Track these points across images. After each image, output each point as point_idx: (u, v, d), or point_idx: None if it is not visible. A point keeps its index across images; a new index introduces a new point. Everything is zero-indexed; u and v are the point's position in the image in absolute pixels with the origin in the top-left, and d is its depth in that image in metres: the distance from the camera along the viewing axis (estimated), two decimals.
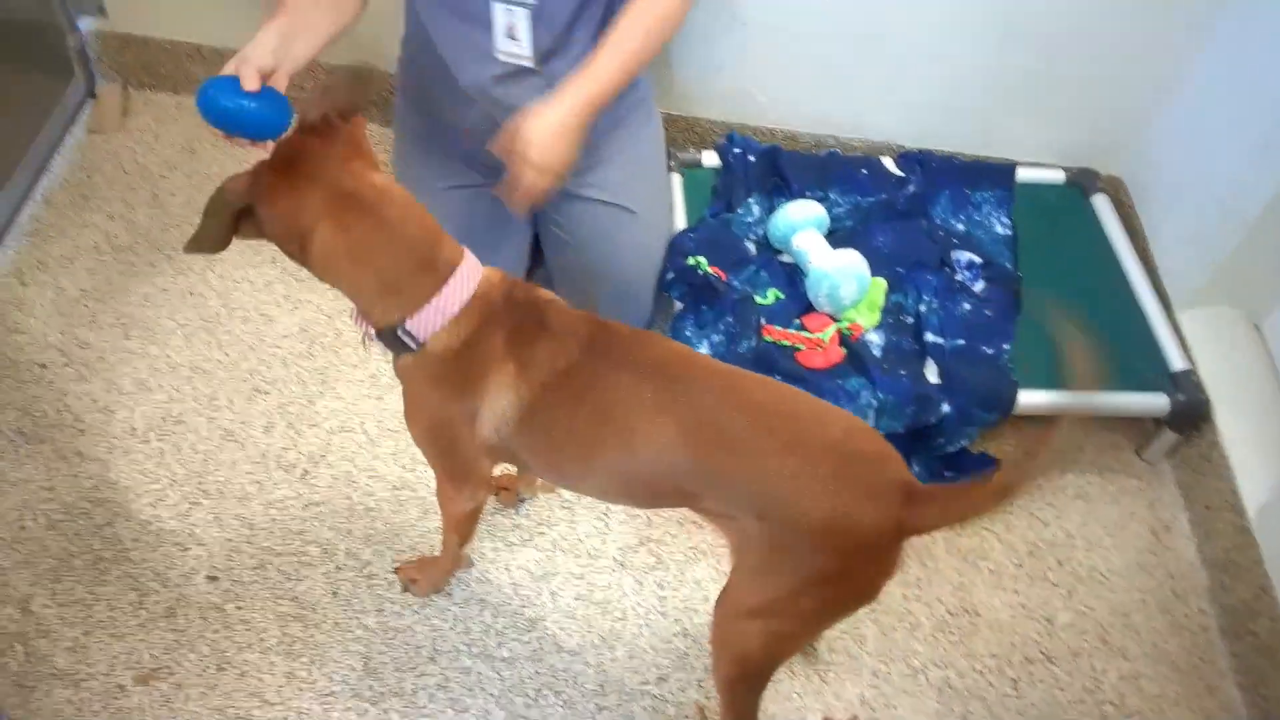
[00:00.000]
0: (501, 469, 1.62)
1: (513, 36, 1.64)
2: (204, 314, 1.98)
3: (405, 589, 1.67)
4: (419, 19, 1.71)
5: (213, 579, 1.66)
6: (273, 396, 1.88)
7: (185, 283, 2.02)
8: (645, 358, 1.26)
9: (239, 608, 1.64)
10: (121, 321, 1.96)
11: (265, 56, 1.36)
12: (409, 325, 1.23)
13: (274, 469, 1.79)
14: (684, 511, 1.80)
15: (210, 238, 1.20)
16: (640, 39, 1.59)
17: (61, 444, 1.78)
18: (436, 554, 1.66)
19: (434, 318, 1.22)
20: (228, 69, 1.34)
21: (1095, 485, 1.93)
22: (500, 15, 1.62)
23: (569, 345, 1.25)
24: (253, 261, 2.06)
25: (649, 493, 1.33)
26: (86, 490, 1.73)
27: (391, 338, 1.25)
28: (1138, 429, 1.99)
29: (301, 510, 1.74)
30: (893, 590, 1.75)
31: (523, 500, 1.80)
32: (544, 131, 1.52)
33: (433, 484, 1.78)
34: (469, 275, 1.24)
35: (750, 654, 1.32)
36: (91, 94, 2.34)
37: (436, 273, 1.22)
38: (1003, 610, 1.75)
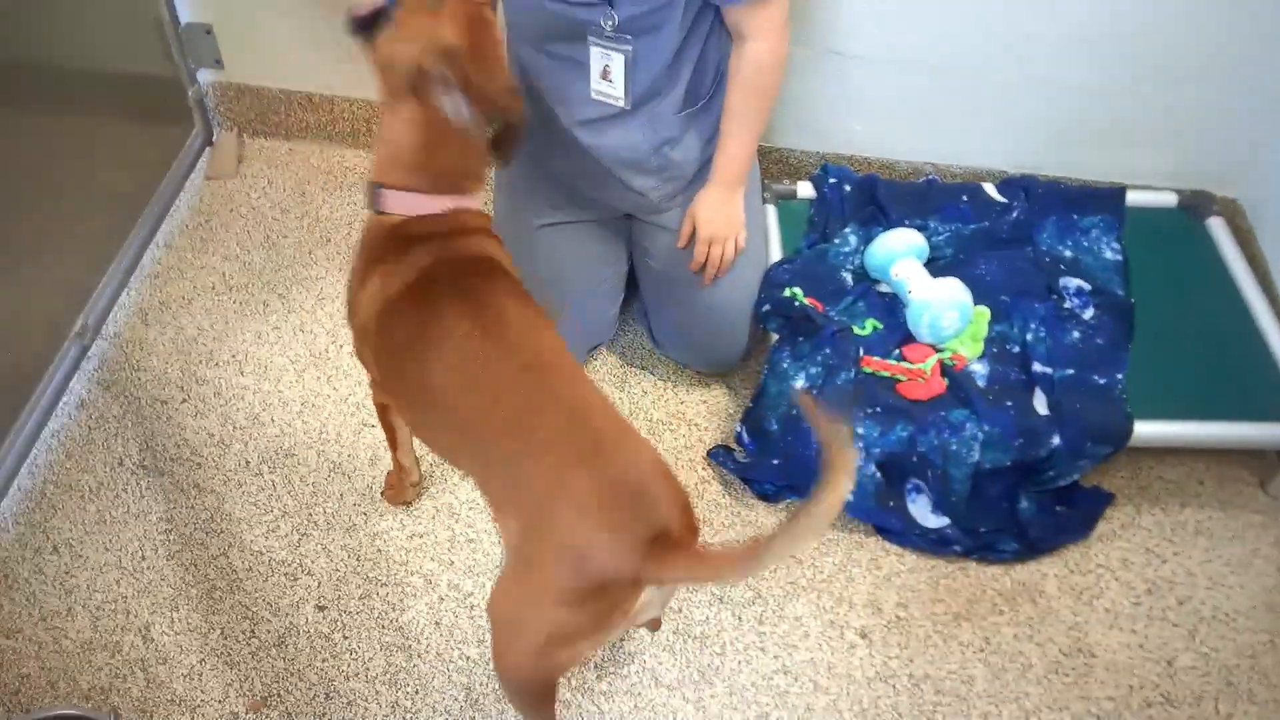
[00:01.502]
0: None
1: (607, 78, 1.68)
2: (314, 350, 2.05)
3: (383, 494, 1.84)
4: (519, 60, 1.75)
5: (321, 609, 1.70)
6: (378, 430, 1.92)
7: (296, 320, 2.10)
8: (497, 316, 1.34)
9: (345, 637, 1.67)
10: (236, 358, 2.04)
11: None
12: (385, 191, 1.44)
13: (379, 500, 1.83)
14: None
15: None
16: (754, 101, 1.73)
17: (180, 477, 1.86)
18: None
19: (403, 204, 1.43)
20: None
21: (1217, 521, 1.84)
22: (597, 57, 1.66)
23: (451, 264, 1.38)
24: None
25: (441, 441, 1.43)
26: (203, 522, 1.80)
27: (369, 187, 1.46)
28: (1261, 462, 1.90)
29: (405, 541, 1.78)
30: (1003, 629, 1.70)
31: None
32: (708, 210, 1.82)
33: None
34: (454, 206, 1.43)
35: (521, 666, 1.31)
36: (209, 142, 2.45)
37: (436, 185, 1.43)
38: (1120, 651, 1.68)
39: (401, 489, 1.81)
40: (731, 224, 1.84)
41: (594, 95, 1.71)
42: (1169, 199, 2.14)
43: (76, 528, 1.79)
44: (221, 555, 1.76)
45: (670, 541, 1.19)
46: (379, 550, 1.77)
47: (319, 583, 1.73)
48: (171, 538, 1.78)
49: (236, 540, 1.78)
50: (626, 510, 1.19)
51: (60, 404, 1.95)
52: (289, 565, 1.75)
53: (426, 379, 1.34)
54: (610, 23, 1.60)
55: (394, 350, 1.40)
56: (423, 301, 1.36)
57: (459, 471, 1.85)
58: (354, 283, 1.46)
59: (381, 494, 1.84)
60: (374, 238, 1.44)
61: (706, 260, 1.86)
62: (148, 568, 1.74)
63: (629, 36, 1.62)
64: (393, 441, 1.72)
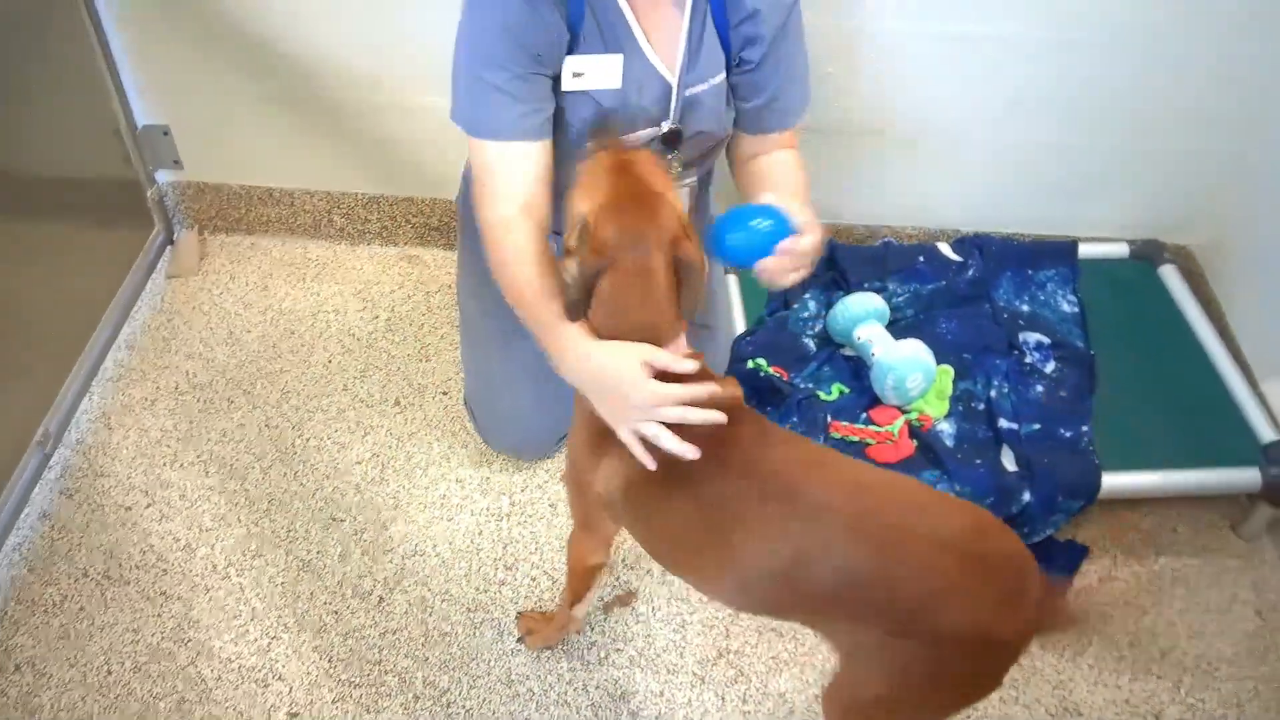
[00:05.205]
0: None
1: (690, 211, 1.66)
2: (280, 445, 2.03)
3: (520, 639, 1.73)
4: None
5: (293, 716, 1.66)
6: (347, 524, 1.90)
7: (261, 416, 2.08)
8: (762, 466, 1.23)
9: None
10: (201, 459, 2.01)
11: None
12: None
13: (350, 598, 1.80)
14: (764, 619, 1.76)
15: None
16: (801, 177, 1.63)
17: (146, 585, 1.82)
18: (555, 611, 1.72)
19: None
20: None
21: (1193, 568, 1.84)
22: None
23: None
24: (325, 391, 2.11)
25: (756, 604, 1.32)
26: (170, 630, 1.76)
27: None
28: (1232, 505, 1.91)
29: (378, 639, 1.75)
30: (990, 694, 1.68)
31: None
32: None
33: (506, 605, 1.78)
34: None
35: None
36: (170, 241, 2.45)
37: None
38: (1106, 708, 1.67)
39: (556, 635, 1.71)
40: None
41: None
42: (1121, 249, 2.18)
43: (40, 645, 1.74)
44: (190, 664, 1.72)
45: (1046, 586, 1.18)
46: (351, 650, 1.73)
47: (290, 688, 1.69)
48: (138, 649, 1.74)
49: (205, 648, 1.74)
50: (1003, 578, 1.16)
51: (22, 516, 1.91)
52: (259, 671, 1.71)
53: (721, 566, 1.25)
54: (678, 165, 1.59)
55: (663, 541, 1.33)
56: (685, 490, 1.25)
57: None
58: (582, 454, 1.37)
59: (523, 638, 1.73)
60: (590, 414, 1.33)
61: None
62: (114, 682, 1.70)
63: (694, 170, 1.63)
64: (579, 597, 1.60)
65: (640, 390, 1.24)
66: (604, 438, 1.31)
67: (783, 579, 1.21)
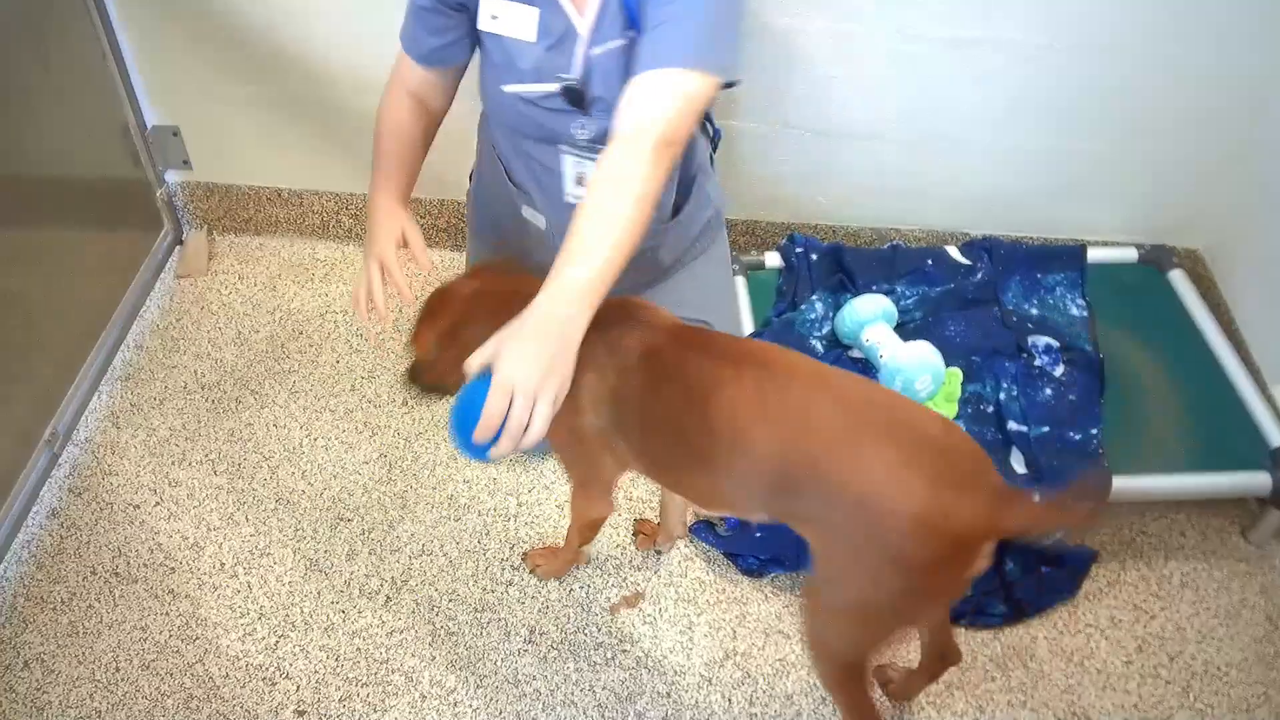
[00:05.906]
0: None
1: (582, 184, 1.62)
2: (288, 445, 2.03)
3: (531, 571, 1.83)
4: (493, 155, 1.76)
5: (300, 714, 1.66)
6: (355, 524, 1.91)
7: (270, 415, 2.08)
8: (732, 346, 1.33)
9: None
10: (210, 458, 2.02)
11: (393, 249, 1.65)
12: None
13: (357, 597, 1.80)
14: (771, 621, 1.76)
15: None
16: (631, 209, 1.28)
17: (154, 583, 1.82)
18: (561, 545, 1.81)
19: None
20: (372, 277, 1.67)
21: (1202, 572, 1.84)
22: (570, 164, 1.61)
23: (654, 332, 1.33)
24: (333, 391, 2.12)
25: (741, 484, 1.31)
26: (178, 628, 1.76)
27: None
28: (1241, 510, 1.90)
29: (385, 638, 1.75)
30: (996, 697, 1.68)
31: (659, 552, 1.86)
32: (520, 331, 1.21)
33: (513, 605, 1.78)
34: None
35: (844, 651, 1.34)
36: (179, 241, 2.46)
37: None
38: (1115, 713, 1.66)
39: (563, 568, 1.82)
40: (554, 367, 1.20)
41: (568, 199, 1.65)
42: (1130, 254, 2.17)
43: (49, 641, 1.75)
44: (198, 662, 1.72)
45: (1006, 489, 1.19)
46: (358, 649, 1.73)
47: (298, 686, 1.69)
48: (146, 647, 1.74)
49: (212, 646, 1.74)
50: (962, 467, 1.18)
51: (31, 514, 1.92)
52: (266, 669, 1.71)
53: (706, 436, 1.28)
54: (584, 133, 1.55)
55: (653, 434, 1.35)
56: (667, 375, 1.31)
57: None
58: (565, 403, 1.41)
59: (534, 570, 1.83)
60: None
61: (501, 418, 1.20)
62: (122, 679, 1.70)
63: (604, 148, 1.53)
64: (586, 541, 1.74)
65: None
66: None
67: (762, 435, 1.24)
